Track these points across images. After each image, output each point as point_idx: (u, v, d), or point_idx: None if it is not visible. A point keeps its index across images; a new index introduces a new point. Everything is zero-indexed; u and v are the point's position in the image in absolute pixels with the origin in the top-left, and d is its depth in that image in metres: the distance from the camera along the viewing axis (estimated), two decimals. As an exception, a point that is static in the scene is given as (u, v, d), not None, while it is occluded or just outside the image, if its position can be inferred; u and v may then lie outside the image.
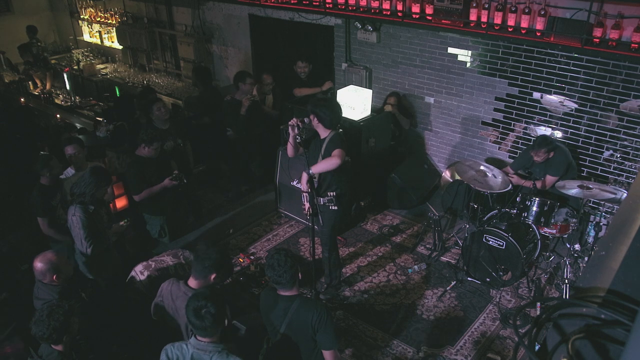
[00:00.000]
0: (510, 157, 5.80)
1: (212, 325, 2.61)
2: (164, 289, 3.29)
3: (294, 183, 4.12)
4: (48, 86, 8.62)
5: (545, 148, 4.71)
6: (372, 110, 5.71)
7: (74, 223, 3.84)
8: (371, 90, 5.73)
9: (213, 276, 3.16)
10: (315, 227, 4.18)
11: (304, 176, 3.99)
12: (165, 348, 2.75)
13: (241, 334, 3.35)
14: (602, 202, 4.75)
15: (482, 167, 4.92)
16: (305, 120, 4.11)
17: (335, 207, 4.11)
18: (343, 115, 5.62)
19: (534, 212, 4.62)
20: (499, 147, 5.86)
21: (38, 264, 3.34)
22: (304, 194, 4.13)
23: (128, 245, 4.89)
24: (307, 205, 4.13)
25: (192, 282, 3.18)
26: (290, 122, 4.05)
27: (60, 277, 3.39)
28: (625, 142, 4.94)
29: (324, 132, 4.21)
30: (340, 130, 5.40)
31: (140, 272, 3.84)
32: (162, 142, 4.78)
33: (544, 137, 4.82)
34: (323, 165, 4.07)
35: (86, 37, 10.24)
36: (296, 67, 6.48)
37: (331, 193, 4.02)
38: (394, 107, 6.08)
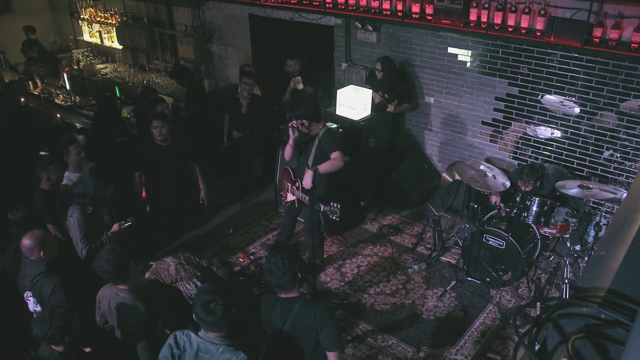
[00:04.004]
0: (510, 157, 5.80)
1: (222, 319, 2.62)
2: (99, 294, 3.30)
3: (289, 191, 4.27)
4: (60, 81, 8.58)
5: (534, 179, 4.65)
6: (372, 109, 5.71)
7: (71, 224, 3.83)
8: (371, 90, 5.73)
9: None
10: (301, 218, 4.21)
11: (309, 173, 3.99)
12: (175, 334, 2.78)
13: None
14: (602, 202, 4.75)
15: (482, 167, 4.92)
16: (304, 121, 4.13)
17: (337, 219, 4.02)
18: (343, 115, 5.68)
19: (534, 212, 4.61)
20: (499, 147, 5.86)
21: (26, 241, 3.38)
22: (289, 185, 4.22)
23: (130, 246, 4.83)
24: (288, 195, 4.21)
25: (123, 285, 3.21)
26: (290, 124, 4.05)
27: (47, 253, 3.41)
28: (625, 142, 4.94)
29: (316, 128, 4.25)
30: (334, 126, 5.42)
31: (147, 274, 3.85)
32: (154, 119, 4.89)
33: (531, 167, 4.71)
34: (328, 167, 4.12)
35: (86, 37, 10.22)
36: (286, 66, 6.38)
37: (335, 205, 3.96)
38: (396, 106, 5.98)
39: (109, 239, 3.93)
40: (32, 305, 3.47)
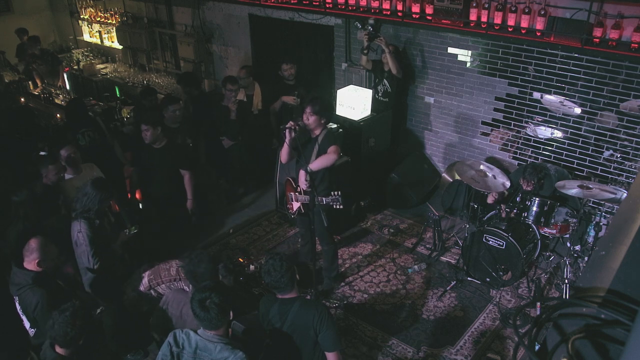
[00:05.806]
0: (510, 157, 5.80)
1: (217, 317, 2.64)
2: (169, 297, 3.31)
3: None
4: (60, 82, 8.57)
5: (536, 178, 4.65)
6: (372, 110, 5.71)
7: (80, 240, 3.73)
8: (371, 90, 5.73)
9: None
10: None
11: (302, 173, 3.98)
12: (174, 331, 2.79)
13: (239, 333, 3.36)
14: (602, 202, 4.75)
15: (482, 167, 4.92)
16: (300, 123, 4.11)
17: (341, 206, 3.97)
18: (343, 115, 5.67)
19: (534, 212, 4.61)
20: (499, 147, 5.86)
21: (32, 242, 3.31)
22: (292, 193, 4.16)
23: (128, 254, 4.55)
24: (294, 204, 4.15)
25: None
26: (287, 125, 4.03)
27: (42, 264, 3.33)
28: (625, 142, 4.94)
29: (318, 130, 4.22)
30: (334, 127, 5.40)
31: (146, 273, 3.85)
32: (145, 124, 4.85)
33: (533, 167, 4.74)
34: (320, 162, 4.05)
35: (86, 37, 10.23)
36: (281, 70, 6.26)
37: (336, 193, 3.91)
38: (392, 53, 5.67)
39: (116, 249, 3.89)
40: (19, 309, 3.41)
